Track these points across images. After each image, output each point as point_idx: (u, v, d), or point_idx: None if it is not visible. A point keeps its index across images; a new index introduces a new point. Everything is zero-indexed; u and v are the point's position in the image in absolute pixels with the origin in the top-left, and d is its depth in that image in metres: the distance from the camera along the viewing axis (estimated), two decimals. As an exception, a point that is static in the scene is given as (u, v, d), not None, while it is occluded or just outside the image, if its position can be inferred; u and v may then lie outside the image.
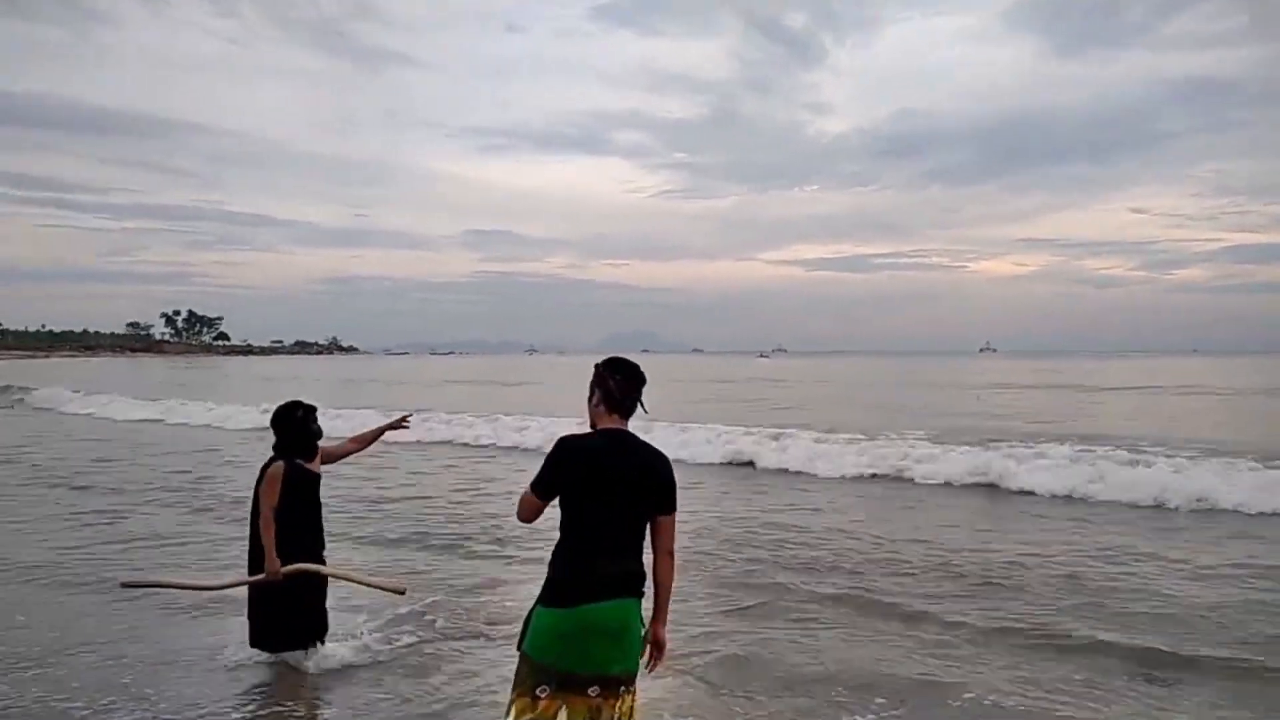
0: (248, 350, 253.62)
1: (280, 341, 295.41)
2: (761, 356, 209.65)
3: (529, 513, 3.45)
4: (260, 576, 5.21)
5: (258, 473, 5.40)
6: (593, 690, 3.31)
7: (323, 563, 5.48)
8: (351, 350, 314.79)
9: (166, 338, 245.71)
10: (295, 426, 5.40)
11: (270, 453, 5.44)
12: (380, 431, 5.83)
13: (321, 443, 5.58)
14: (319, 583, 5.46)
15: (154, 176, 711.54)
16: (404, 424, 5.78)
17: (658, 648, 3.59)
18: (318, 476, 5.52)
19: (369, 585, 5.48)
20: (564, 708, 3.30)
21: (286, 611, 5.31)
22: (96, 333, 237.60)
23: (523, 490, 3.44)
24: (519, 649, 3.43)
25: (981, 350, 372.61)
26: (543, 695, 3.30)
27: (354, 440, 5.88)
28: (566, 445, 3.43)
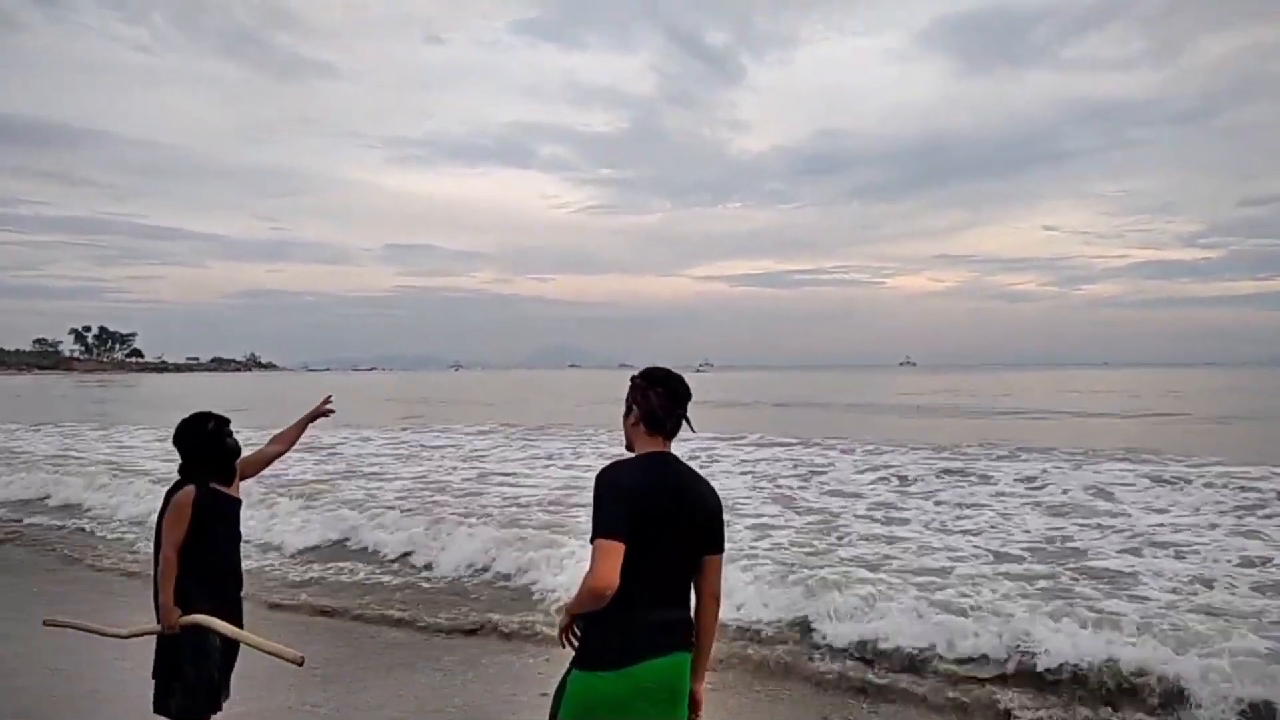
0: (162, 367, 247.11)
1: (196, 358, 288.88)
2: (698, 370, 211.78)
3: (613, 566, 2.66)
4: (156, 628, 4.23)
5: (163, 500, 4.35)
6: None
7: (240, 607, 4.50)
8: (270, 367, 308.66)
9: (76, 355, 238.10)
10: (207, 442, 4.35)
11: (176, 476, 4.39)
12: (304, 424, 4.90)
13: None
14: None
15: (61, 188, 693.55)
16: (327, 408, 4.89)
17: (694, 707, 3.01)
18: (238, 502, 4.53)
19: (266, 649, 4.34)
20: None
21: (196, 663, 4.21)
22: (1, 350, 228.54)
23: (596, 545, 2.69)
24: None
25: (901, 364, 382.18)
26: None
27: (277, 441, 4.86)
28: (619, 476, 2.82)
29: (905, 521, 10.99)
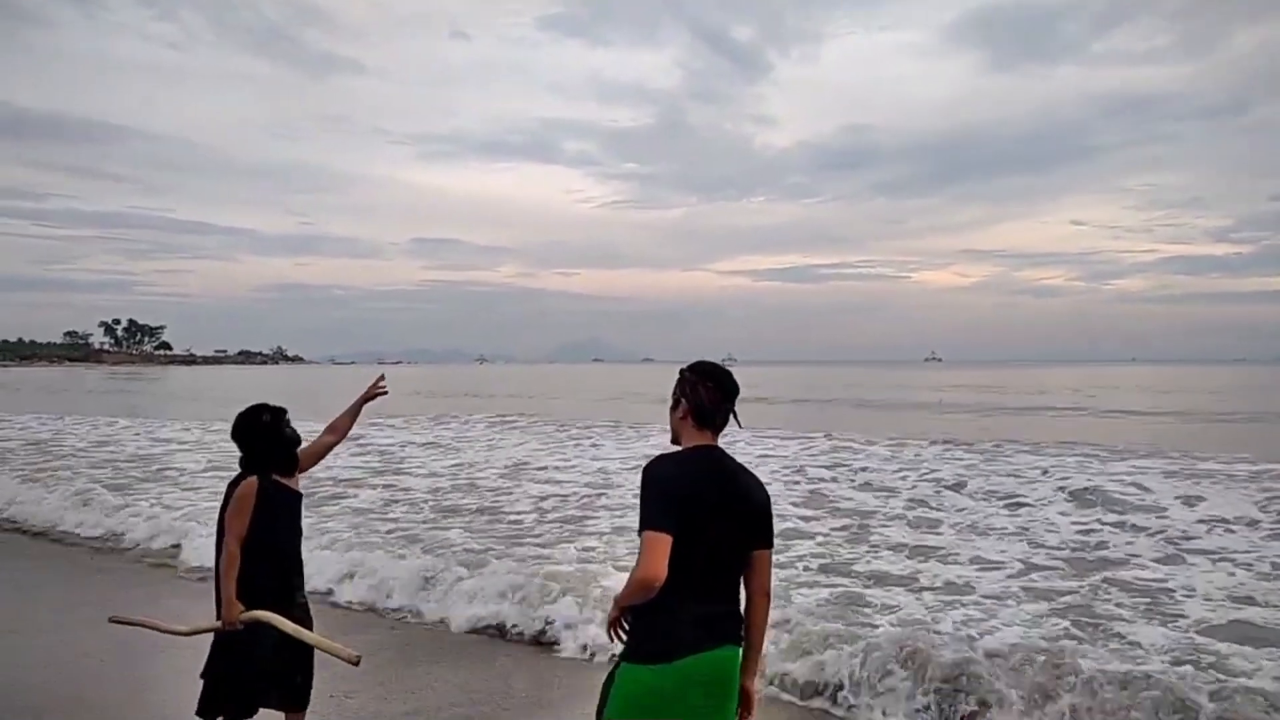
0: (191, 360, 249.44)
1: (224, 351, 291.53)
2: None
3: (661, 558, 2.67)
4: (216, 625, 4.11)
5: (224, 493, 4.24)
6: None
7: (303, 605, 4.34)
8: (297, 360, 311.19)
9: (106, 347, 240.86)
10: (265, 434, 4.25)
11: (238, 469, 4.28)
12: (357, 409, 4.73)
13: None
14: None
15: (92, 183, 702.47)
16: (380, 388, 4.74)
17: (746, 704, 2.99)
18: (299, 495, 4.40)
19: (322, 648, 4.27)
20: None
21: (241, 666, 4.08)
22: (33, 342, 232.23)
23: (645, 538, 2.71)
24: (602, 718, 2.88)
25: (927, 360, 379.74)
26: None
27: (330, 431, 4.71)
28: (666, 470, 2.83)
29: (935, 524, 10.96)
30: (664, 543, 2.69)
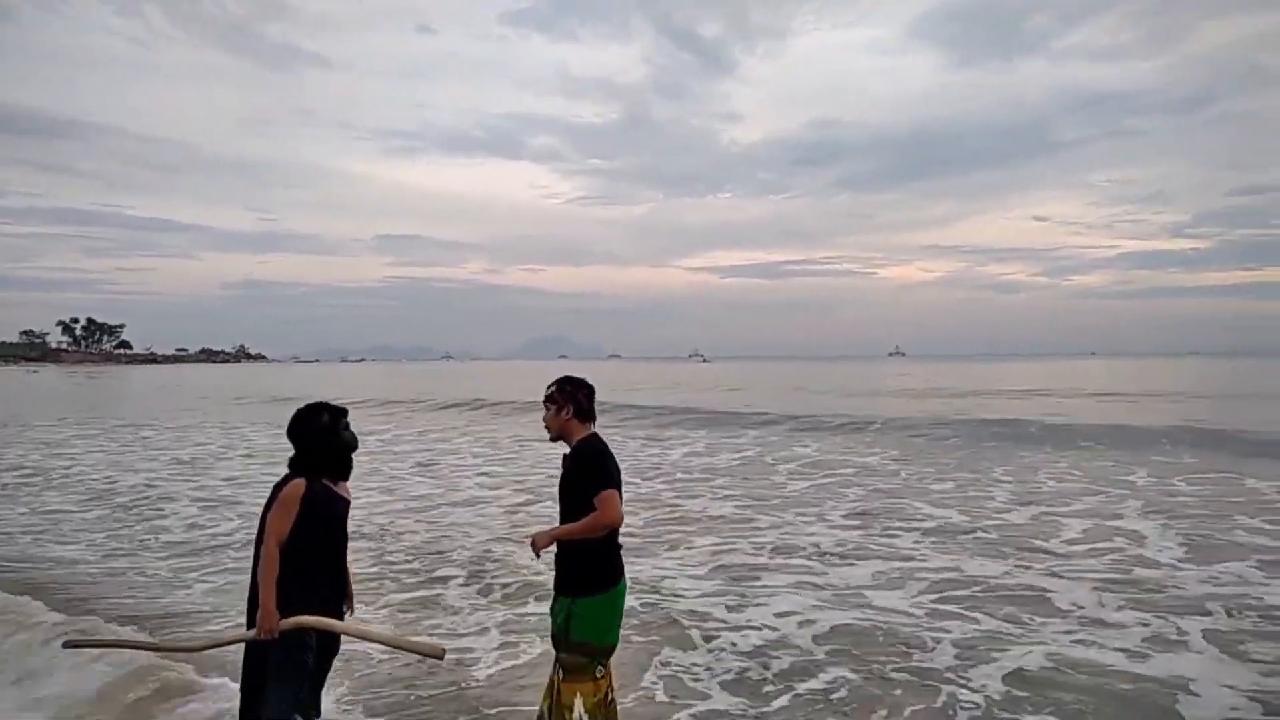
0: (151, 359, 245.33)
1: (185, 349, 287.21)
2: (703, 361, 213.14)
3: (619, 507, 3.85)
4: (251, 634, 3.87)
5: (269, 493, 4.06)
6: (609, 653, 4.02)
7: (341, 617, 4.17)
8: (260, 358, 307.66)
9: (64, 346, 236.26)
10: (323, 435, 4.08)
11: (286, 470, 4.12)
12: None
13: None
14: (327, 643, 4.10)
15: (52, 178, 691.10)
16: None
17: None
18: (347, 502, 4.24)
19: (399, 647, 4.21)
20: (608, 678, 3.95)
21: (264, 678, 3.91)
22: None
23: (606, 494, 3.83)
24: (571, 644, 3.88)
25: (891, 355, 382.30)
26: (599, 675, 3.90)
27: None
28: (598, 449, 4.00)
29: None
30: (617, 496, 3.85)
